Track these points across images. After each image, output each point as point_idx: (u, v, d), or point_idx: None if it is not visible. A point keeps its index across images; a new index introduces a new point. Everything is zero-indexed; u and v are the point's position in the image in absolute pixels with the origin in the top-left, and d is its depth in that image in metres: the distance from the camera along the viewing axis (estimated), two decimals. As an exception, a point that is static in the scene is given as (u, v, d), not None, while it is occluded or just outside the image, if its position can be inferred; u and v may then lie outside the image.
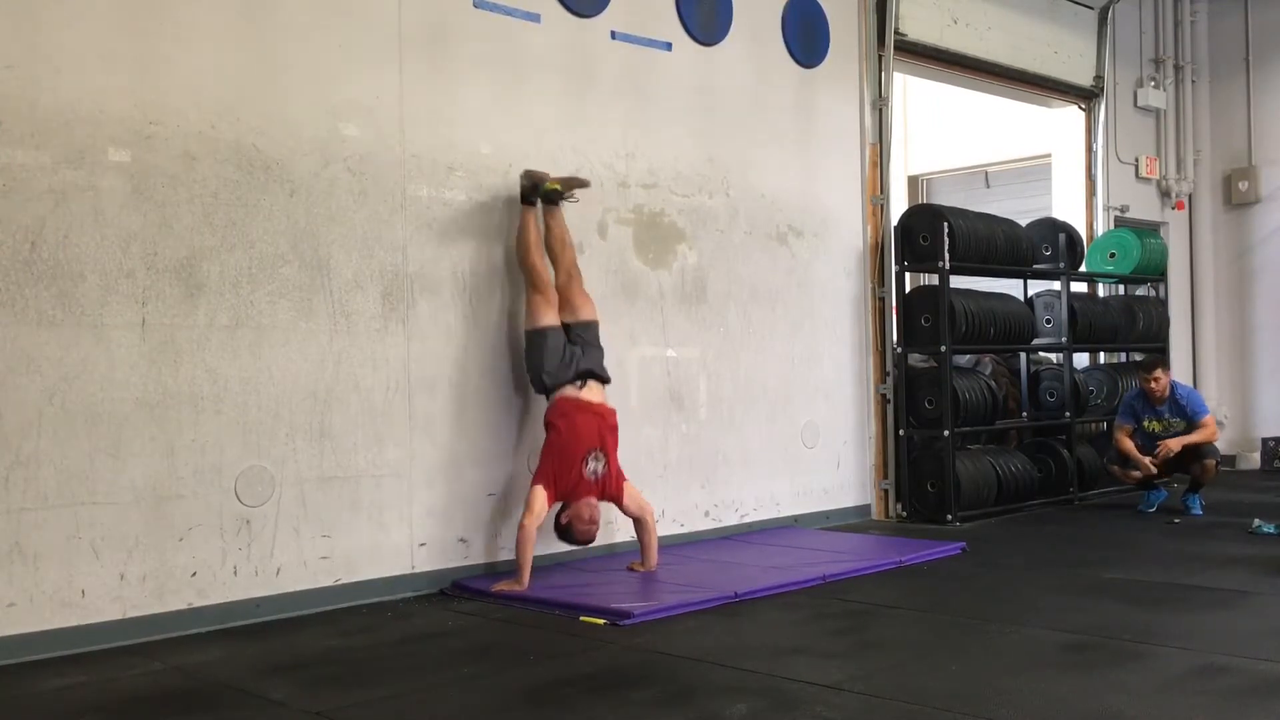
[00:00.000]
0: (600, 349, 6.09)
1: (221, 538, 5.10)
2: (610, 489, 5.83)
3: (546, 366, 5.88)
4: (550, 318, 5.97)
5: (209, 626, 5.00)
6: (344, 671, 4.36)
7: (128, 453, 4.84)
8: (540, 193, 6.09)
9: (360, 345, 5.57)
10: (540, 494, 5.65)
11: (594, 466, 5.74)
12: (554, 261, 6.14)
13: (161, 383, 4.94)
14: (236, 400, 5.15)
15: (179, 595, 4.97)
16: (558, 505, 5.76)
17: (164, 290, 4.96)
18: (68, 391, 4.70)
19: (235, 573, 5.13)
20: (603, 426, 5.86)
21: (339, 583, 5.46)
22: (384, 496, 5.63)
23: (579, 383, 5.91)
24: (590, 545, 5.94)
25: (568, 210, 6.30)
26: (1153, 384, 7.90)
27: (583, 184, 6.20)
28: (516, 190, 6.10)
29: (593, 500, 5.76)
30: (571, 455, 5.70)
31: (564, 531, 5.78)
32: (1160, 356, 8.45)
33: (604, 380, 6.04)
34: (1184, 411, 7.93)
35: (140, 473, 4.87)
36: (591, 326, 6.09)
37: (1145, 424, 8.05)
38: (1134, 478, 8.09)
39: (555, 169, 6.21)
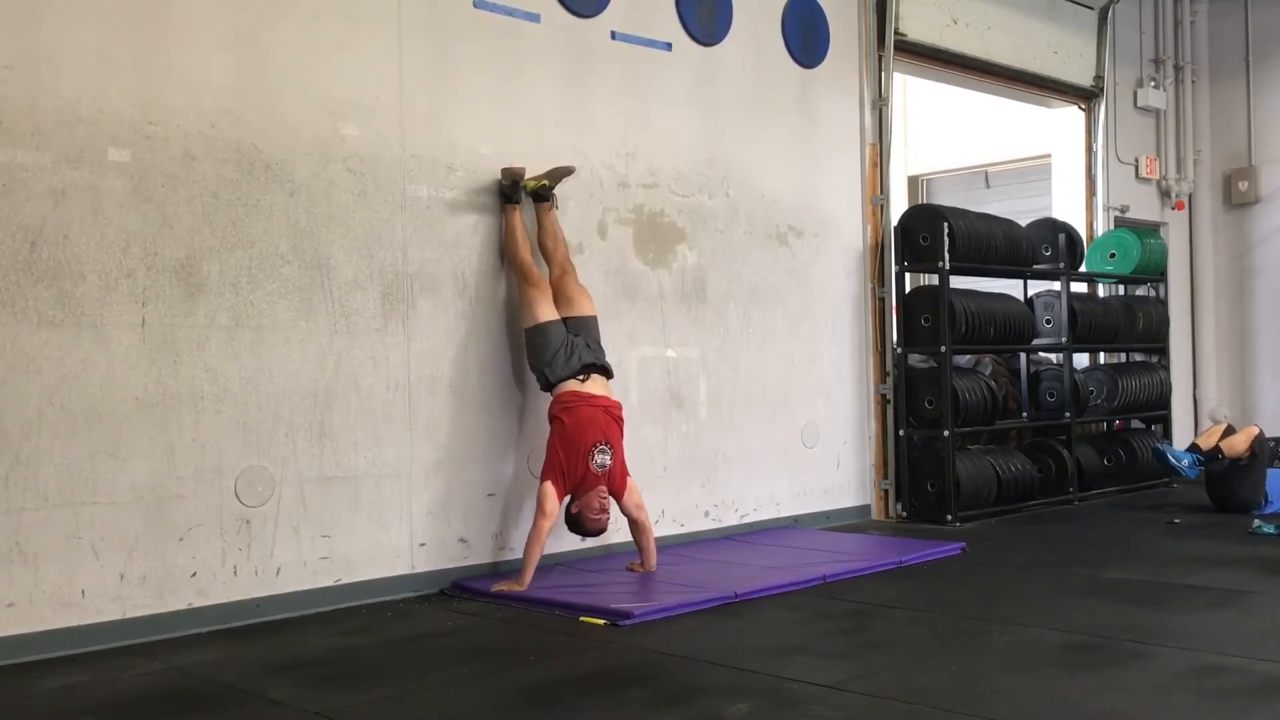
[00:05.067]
0: (600, 346, 6.07)
1: (221, 538, 5.10)
2: (615, 483, 5.77)
3: (547, 359, 5.85)
4: (548, 311, 5.93)
5: (209, 626, 5.00)
6: (344, 671, 4.36)
7: (128, 453, 4.84)
8: (530, 190, 6.09)
9: (360, 345, 5.57)
10: (550, 492, 5.59)
11: (601, 459, 5.69)
12: (547, 258, 6.13)
13: (161, 383, 4.95)
14: (236, 400, 5.15)
15: (179, 595, 4.97)
16: (568, 499, 5.73)
17: (164, 290, 4.96)
18: (68, 391, 4.70)
19: (235, 573, 5.13)
20: (608, 419, 5.80)
21: (339, 583, 5.46)
22: (384, 496, 5.63)
23: (582, 376, 5.86)
24: (600, 536, 5.93)
25: (568, 211, 6.31)
26: None
27: (568, 171, 6.18)
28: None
29: (603, 490, 5.71)
30: (577, 448, 5.64)
31: (574, 522, 5.74)
32: None
33: (607, 374, 6.00)
34: None
35: (140, 473, 4.87)
36: (590, 322, 6.06)
37: None
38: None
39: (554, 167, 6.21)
